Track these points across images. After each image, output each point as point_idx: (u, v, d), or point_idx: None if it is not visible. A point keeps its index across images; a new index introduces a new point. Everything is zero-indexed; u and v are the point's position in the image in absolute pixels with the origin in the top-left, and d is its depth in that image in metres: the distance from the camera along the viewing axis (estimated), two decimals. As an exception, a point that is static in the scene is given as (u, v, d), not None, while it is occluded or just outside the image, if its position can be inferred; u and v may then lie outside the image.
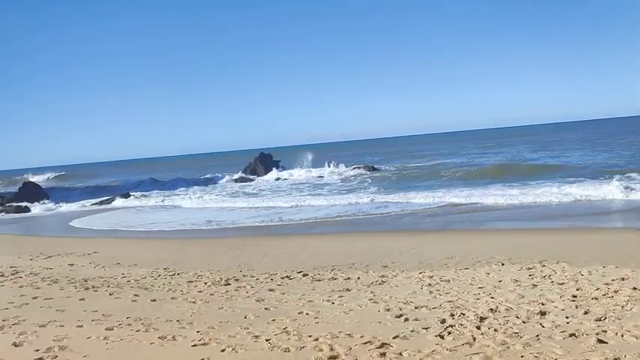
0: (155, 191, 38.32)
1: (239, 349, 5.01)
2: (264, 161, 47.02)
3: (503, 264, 9.31)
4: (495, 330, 5.33)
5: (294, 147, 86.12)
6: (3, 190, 46.71)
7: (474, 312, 6.10)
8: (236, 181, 42.82)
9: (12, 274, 10.59)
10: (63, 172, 76.18)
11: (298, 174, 42.12)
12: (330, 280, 8.97)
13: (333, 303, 7.14)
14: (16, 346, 5.64)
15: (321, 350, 4.95)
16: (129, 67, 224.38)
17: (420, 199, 21.71)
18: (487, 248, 11.08)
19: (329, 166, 43.06)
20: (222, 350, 5.02)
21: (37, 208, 33.13)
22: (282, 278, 9.25)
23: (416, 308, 6.52)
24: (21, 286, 9.32)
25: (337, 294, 7.71)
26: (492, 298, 6.81)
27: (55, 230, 21.85)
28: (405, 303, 6.83)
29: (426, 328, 5.53)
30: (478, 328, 5.44)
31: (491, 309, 6.21)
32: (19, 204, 33.81)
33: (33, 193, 38.04)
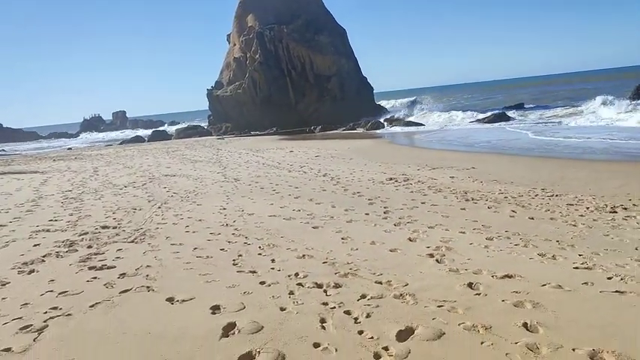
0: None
1: (628, 280, 4.61)
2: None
3: None
4: None
5: None
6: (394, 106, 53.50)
7: None
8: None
9: (404, 181, 12.18)
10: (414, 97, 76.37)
11: None
12: None
13: None
14: (410, 240, 6.57)
15: None
16: None
17: None
18: None
19: None
20: (609, 278, 4.71)
21: (426, 125, 37.25)
22: (685, 213, 7.89)
23: None
24: (411, 192, 10.66)
25: None
26: None
27: (439, 144, 23.81)
28: None
29: None
30: None
31: None
32: (410, 119, 38.57)
33: (417, 108, 43.12)
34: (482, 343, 3.38)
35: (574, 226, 7.35)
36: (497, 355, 3.21)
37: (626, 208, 8.44)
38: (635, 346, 3.24)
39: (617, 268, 5.12)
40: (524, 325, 3.64)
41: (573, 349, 3.23)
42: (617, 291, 4.31)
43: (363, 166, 15.59)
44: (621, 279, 4.66)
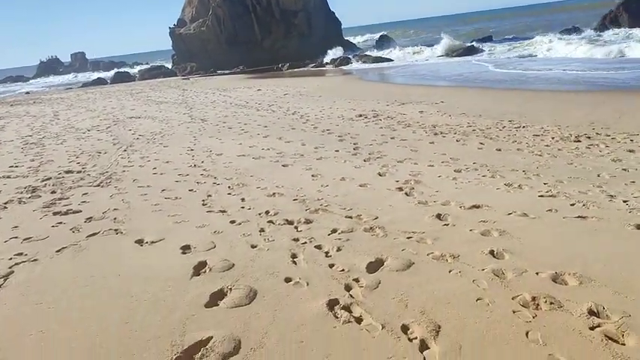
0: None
1: (590, 206, 4.75)
2: (631, 7, 38.22)
3: None
4: None
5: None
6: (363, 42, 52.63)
7: None
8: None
9: (373, 117, 12.13)
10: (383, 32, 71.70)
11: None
12: None
13: None
14: (380, 175, 6.60)
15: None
16: None
17: None
18: None
19: None
20: (572, 204, 4.83)
21: (395, 60, 36.91)
22: (646, 140, 8.10)
23: None
24: (381, 127, 10.63)
25: None
26: None
27: (407, 79, 23.66)
28: None
29: None
30: None
31: None
32: (379, 55, 38.07)
33: (386, 44, 42.51)
34: (450, 271, 3.46)
35: (540, 156, 7.49)
36: (465, 281, 3.29)
37: (589, 137, 8.61)
38: (595, 268, 3.35)
39: (580, 194, 5.25)
40: (491, 252, 3.73)
41: (537, 273, 3.32)
42: (579, 216, 4.43)
43: (332, 104, 15.42)
44: (583, 205, 4.79)
